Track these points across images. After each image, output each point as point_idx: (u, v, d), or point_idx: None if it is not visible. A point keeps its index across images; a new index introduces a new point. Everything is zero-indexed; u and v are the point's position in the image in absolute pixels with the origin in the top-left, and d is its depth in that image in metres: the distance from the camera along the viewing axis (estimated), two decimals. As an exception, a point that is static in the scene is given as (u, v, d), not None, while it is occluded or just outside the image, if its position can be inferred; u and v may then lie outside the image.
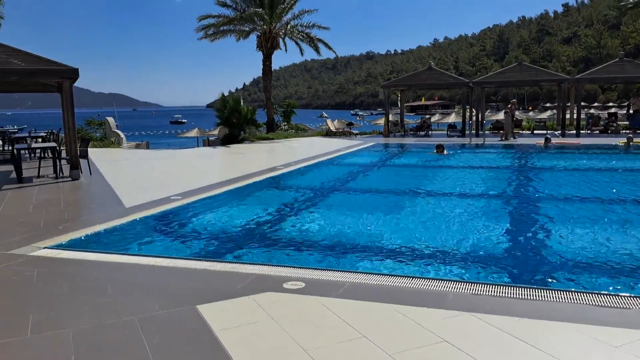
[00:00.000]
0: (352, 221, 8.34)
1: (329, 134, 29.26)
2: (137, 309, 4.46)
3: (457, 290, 4.85)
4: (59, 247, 6.53)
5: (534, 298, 4.59)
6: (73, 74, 12.42)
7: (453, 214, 8.72)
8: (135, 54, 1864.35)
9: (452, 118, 36.76)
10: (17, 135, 19.93)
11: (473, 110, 28.03)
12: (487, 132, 27.49)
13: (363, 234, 7.50)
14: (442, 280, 5.20)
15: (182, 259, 6.06)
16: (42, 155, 14.03)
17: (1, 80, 13.97)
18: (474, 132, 26.04)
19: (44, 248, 6.45)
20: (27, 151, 15.11)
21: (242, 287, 4.99)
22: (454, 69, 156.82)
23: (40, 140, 18.64)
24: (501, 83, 30.31)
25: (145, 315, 4.31)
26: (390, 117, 29.32)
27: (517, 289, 4.86)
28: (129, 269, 5.67)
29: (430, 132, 28.93)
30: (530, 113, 50.29)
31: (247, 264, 5.83)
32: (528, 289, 4.81)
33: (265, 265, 5.74)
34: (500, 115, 36.05)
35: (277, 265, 5.71)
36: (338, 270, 5.56)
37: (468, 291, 4.84)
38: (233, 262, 5.89)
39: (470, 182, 12.34)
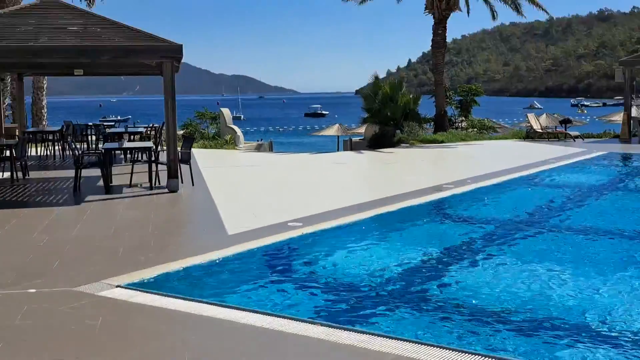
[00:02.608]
0: (557, 281, 7.69)
1: (530, 135, 28.00)
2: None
3: None
4: (135, 286, 6.95)
5: None
6: (176, 52, 13.36)
7: None
8: (264, 25, 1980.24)
9: None
10: (111, 130, 21.86)
11: None
12: None
13: (570, 304, 6.87)
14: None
15: (292, 319, 6.02)
16: (136, 158, 15.21)
17: (93, 61, 15.54)
18: None
19: (117, 287, 6.90)
20: (120, 152, 16.51)
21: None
22: None
23: (137, 137, 20.31)
24: None
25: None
26: (634, 112, 27.07)
27: None
28: (218, 330, 5.78)
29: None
30: None
31: (381, 336, 5.59)
32: None
33: (407, 342, 5.45)
34: None
35: (425, 345, 5.39)
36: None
37: None
38: (360, 332, 5.68)
39: None
